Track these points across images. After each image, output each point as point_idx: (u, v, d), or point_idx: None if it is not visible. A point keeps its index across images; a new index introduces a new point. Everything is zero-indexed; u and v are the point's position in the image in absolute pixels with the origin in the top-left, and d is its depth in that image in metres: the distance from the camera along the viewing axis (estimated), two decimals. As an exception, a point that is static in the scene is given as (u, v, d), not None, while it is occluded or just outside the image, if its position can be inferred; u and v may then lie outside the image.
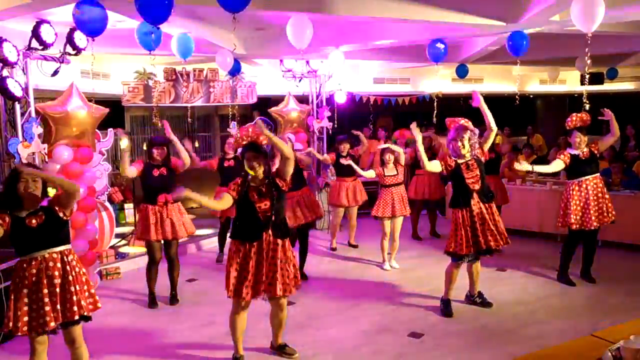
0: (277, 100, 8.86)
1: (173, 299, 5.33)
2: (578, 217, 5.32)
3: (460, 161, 4.66)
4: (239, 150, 4.10)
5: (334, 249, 7.27)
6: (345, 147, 7.15)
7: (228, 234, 4.50)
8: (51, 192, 3.47)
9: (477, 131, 4.68)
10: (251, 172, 3.76)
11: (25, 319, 3.21)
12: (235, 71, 7.36)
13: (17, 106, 5.22)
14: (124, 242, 7.26)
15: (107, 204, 6.86)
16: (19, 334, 3.22)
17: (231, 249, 3.85)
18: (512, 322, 4.67)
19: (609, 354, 2.25)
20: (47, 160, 5.27)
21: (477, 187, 4.64)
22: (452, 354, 4.12)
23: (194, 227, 5.45)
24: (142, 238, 5.20)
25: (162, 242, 5.19)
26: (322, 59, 7.94)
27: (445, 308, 4.87)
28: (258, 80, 8.50)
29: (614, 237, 6.68)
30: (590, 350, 2.35)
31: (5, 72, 4.89)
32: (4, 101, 5.31)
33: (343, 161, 6.92)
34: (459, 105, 11.60)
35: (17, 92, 4.94)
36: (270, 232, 3.78)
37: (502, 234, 4.71)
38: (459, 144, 4.60)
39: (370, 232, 7.63)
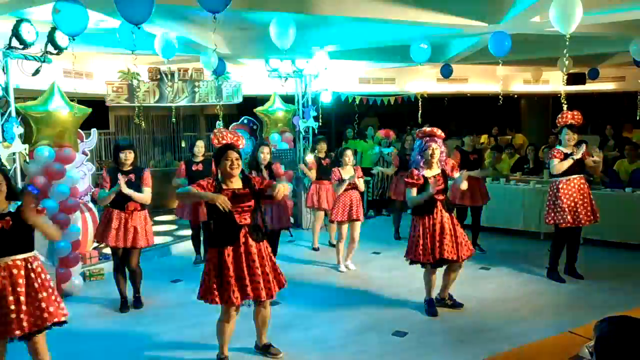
0: (262, 100, 8.86)
1: (137, 302, 5.20)
2: (570, 215, 5.39)
3: (427, 175, 4.67)
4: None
5: (316, 249, 7.27)
6: (322, 147, 7.14)
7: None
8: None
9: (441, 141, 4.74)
10: (232, 172, 3.71)
11: None
12: (220, 71, 7.33)
13: (-3, 106, 5.15)
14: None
15: (91, 204, 6.79)
16: None
17: (211, 258, 3.72)
18: (495, 320, 4.71)
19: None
20: (28, 160, 5.20)
21: (441, 197, 4.70)
22: (435, 352, 4.15)
23: (154, 238, 5.27)
24: (100, 240, 5.08)
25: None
26: (307, 59, 7.94)
27: (430, 307, 4.89)
28: (244, 80, 8.47)
29: (597, 235, 6.76)
30: (567, 346, 2.38)
31: (-16, 72, 4.84)
32: (-17, 101, 5.23)
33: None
34: (443, 104, 11.67)
35: (-3, 91, 4.88)
36: (247, 234, 3.72)
37: (462, 244, 4.69)
38: (429, 152, 4.62)
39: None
